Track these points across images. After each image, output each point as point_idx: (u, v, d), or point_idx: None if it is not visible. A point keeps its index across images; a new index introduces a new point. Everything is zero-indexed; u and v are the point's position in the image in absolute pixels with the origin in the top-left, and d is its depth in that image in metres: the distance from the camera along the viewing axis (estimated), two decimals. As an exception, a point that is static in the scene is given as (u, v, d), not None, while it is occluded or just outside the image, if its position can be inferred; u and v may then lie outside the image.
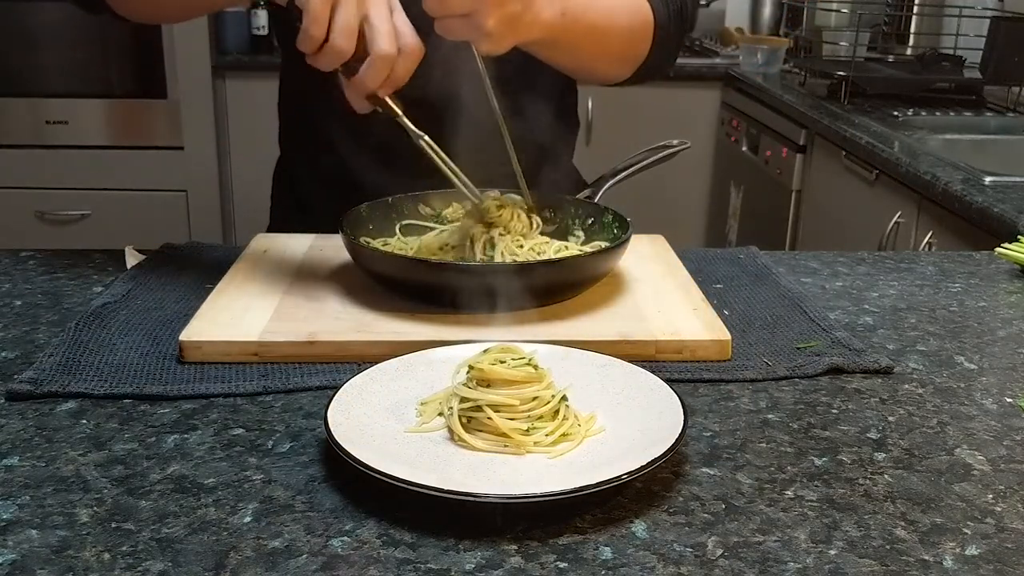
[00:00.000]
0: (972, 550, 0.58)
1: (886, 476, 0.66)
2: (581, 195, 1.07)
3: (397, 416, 0.69)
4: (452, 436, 0.67)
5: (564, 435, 0.67)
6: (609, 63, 1.10)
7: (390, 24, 0.81)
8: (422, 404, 0.71)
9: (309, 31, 0.79)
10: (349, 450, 0.61)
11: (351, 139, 1.14)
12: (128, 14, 1.04)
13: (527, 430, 0.66)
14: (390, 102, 0.86)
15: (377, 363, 0.74)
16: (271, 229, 1.23)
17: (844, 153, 2.24)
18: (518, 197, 0.99)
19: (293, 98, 1.24)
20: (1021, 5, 2.59)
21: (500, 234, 0.93)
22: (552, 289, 0.88)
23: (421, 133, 0.89)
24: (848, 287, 1.03)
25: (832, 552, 0.57)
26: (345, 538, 0.57)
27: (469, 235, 0.94)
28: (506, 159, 0.95)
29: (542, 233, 1.00)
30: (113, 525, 0.58)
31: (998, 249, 1.11)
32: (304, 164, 1.24)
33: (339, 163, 1.16)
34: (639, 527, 0.59)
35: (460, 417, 0.67)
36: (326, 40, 0.80)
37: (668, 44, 1.10)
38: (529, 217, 0.98)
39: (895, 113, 2.36)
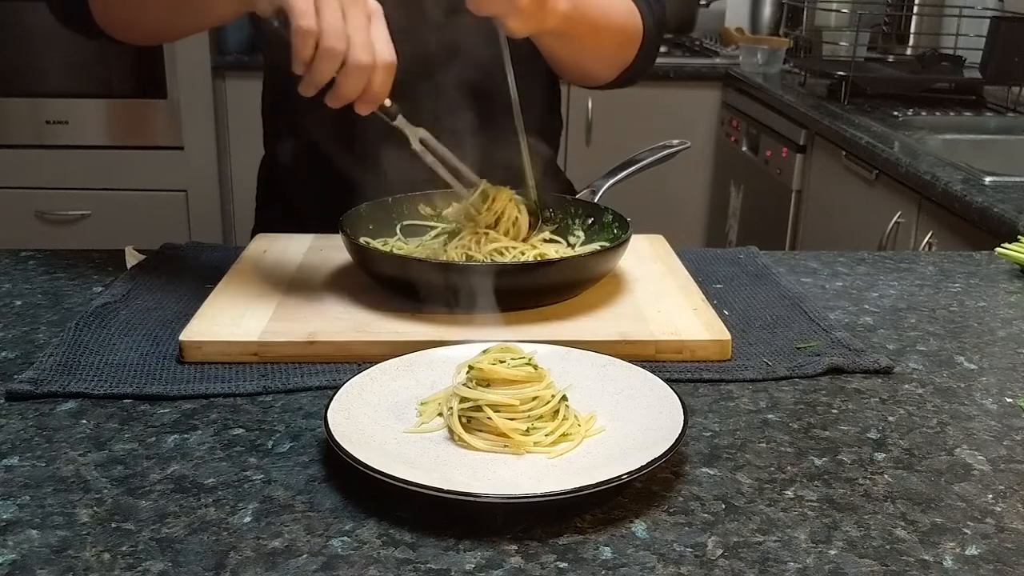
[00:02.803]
0: (972, 550, 0.58)
1: (886, 476, 0.66)
2: (581, 195, 1.07)
3: (397, 416, 0.69)
4: (452, 436, 0.67)
5: (564, 435, 0.67)
6: (601, 62, 1.14)
7: (366, 34, 0.80)
8: (422, 404, 0.71)
9: (302, 24, 0.77)
10: (349, 450, 0.61)
11: (336, 139, 1.14)
12: (124, 37, 1.04)
13: (527, 430, 0.66)
14: (379, 112, 0.85)
15: (377, 363, 0.74)
16: (258, 230, 1.23)
17: (844, 153, 2.24)
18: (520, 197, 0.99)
19: (277, 100, 1.24)
20: (1021, 5, 2.59)
21: (484, 237, 0.93)
22: (552, 289, 0.88)
23: (419, 131, 0.89)
24: (848, 287, 1.03)
25: (832, 552, 0.57)
26: (345, 538, 0.57)
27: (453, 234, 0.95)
28: (502, 156, 0.96)
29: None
30: (113, 525, 0.58)
31: (998, 249, 1.11)
32: (289, 164, 1.24)
33: (324, 163, 1.16)
34: (639, 527, 0.59)
35: (460, 417, 0.67)
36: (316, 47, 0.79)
37: (651, 52, 1.15)
38: (536, 218, 0.97)
39: (895, 113, 2.36)
